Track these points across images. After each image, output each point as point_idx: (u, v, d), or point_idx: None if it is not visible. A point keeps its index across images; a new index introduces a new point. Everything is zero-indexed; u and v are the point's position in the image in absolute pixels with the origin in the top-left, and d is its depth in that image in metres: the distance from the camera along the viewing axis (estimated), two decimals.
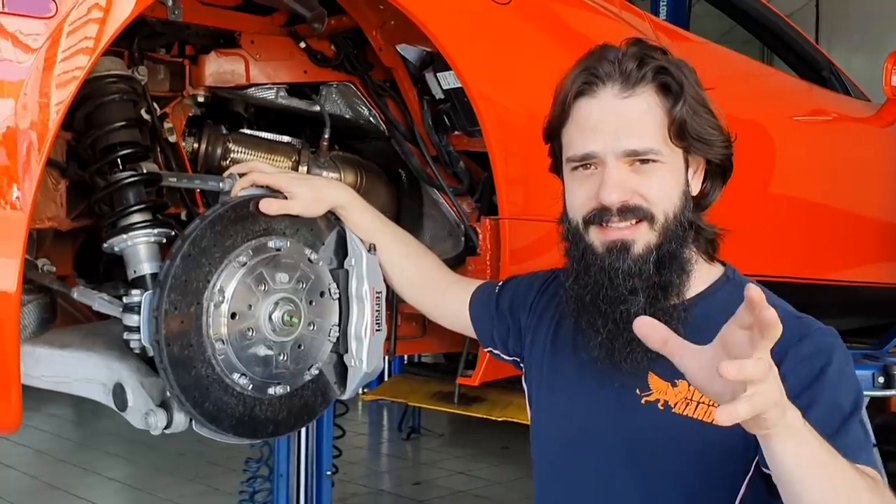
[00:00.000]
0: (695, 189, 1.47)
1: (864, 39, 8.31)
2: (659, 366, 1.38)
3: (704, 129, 1.42)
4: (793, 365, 1.29)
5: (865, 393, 3.37)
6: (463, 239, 2.05)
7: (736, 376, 1.03)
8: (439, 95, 2.02)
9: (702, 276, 1.47)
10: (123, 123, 1.61)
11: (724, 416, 1.03)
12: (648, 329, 1.16)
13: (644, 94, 1.40)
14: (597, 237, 1.43)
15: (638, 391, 1.44)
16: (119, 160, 1.60)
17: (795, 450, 1.13)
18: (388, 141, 2.10)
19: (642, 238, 1.40)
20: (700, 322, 1.39)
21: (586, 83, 1.41)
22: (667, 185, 1.41)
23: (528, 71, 2.11)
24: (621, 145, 1.38)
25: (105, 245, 1.58)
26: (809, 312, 1.44)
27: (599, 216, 1.41)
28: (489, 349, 1.77)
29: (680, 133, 1.40)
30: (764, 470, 1.31)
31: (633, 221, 1.40)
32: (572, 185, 1.47)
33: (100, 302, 1.56)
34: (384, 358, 1.77)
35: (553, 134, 1.50)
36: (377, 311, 1.67)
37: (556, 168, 1.54)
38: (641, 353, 1.39)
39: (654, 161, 1.39)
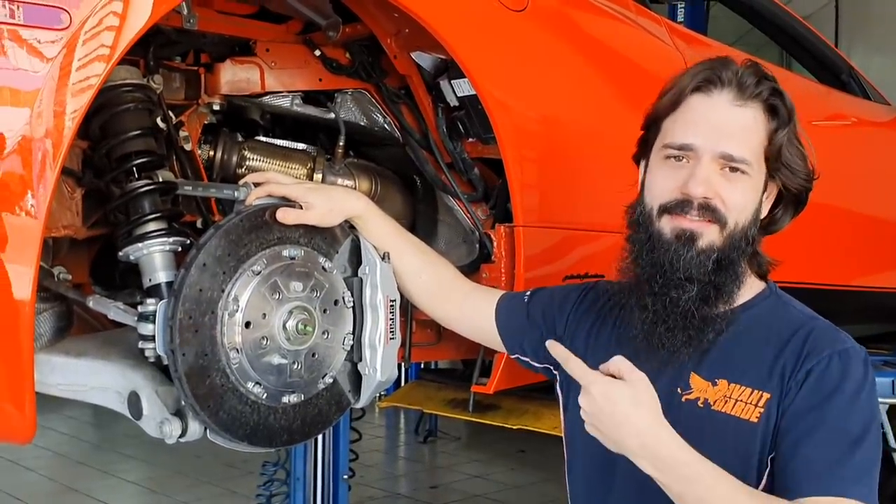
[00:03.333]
0: (763, 212, 1.54)
1: (884, 41, 8.23)
2: (702, 367, 1.48)
3: (794, 160, 1.51)
4: (812, 380, 1.40)
5: (885, 400, 3.35)
6: (477, 246, 2.05)
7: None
8: (454, 103, 2.02)
9: (749, 288, 1.54)
10: (139, 132, 1.62)
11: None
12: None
13: (754, 109, 1.48)
14: (667, 224, 1.49)
15: (679, 390, 1.50)
16: (134, 169, 1.61)
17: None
18: (402, 148, 2.10)
19: (709, 235, 1.47)
20: (745, 328, 1.50)
21: (706, 81, 1.49)
22: (746, 198, 1.49)
23: (544, 77, 2.11)
24: (720, 147, 1.46)
25: (120, 253, 1.59)
26: (829, 319, 1.51)
27: (679, 206, 1.47)
28: (516, 356, 1.78)
29: (774, 157, 1.49)
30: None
31: (707, 220, 1.46)
32: (659, 172, 1.52)
33: (115, 311, 1.56)
34: (399, 365, 1.77)
35: (655, 120, 1.56)
36: (391, 319, 1.66)
37: (641, 156, 1.61)
38: (680, 343, 1.47)
39: (742, 172, 1.46)
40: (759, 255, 1.55)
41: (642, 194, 1.56)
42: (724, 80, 1.47)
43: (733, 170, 1.46)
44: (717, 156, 1.45)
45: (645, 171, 1.58)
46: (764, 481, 1.42)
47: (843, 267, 3.36)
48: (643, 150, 1.60)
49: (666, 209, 1.49)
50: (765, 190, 1.52)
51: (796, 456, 1.37)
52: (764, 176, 1.50)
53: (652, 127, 1.57)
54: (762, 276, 1.57)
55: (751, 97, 1.47)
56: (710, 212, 1.46)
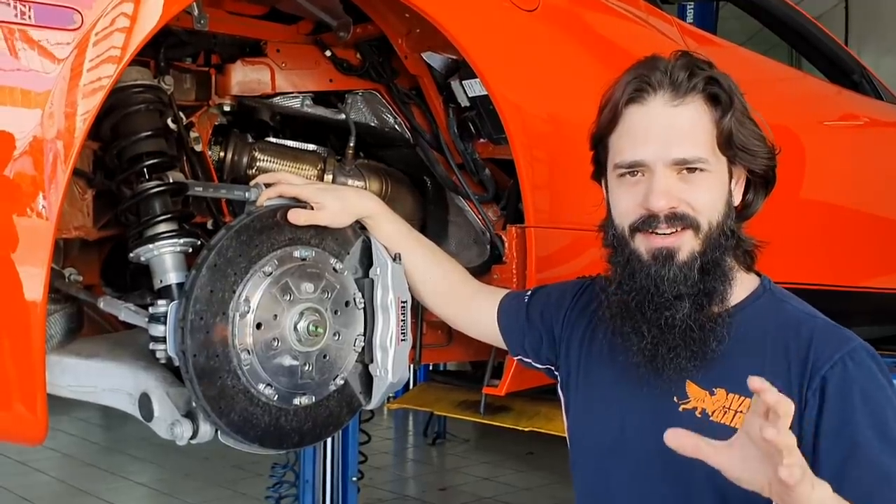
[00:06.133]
0: (736, 199, 1.49)
1: (895, 42, 8.21)
2: (699, 375, 1.44)
3: (750, 141, 1.45)
4: (832, 390, 1.36)
5: None
6: (489, 247, 2.04)
7: (775, 437, 1.08)
8: (465, 103, 2.02)
9: (741, 286, 1.49)
10: (150, 133, 1.62)
11: (786, 474, 1.09)
12: (678, 440, 1.19)
13: (694, 104, 1.42)
14: (642, 244, 1.44)
15: (675, 399, 1.46)
16: (145, 170, 1.61)
17: None
18: (413, 149, 2.10)
19: (687, 245, 1.42)
20: (742, 332, 1.45)
21: (637, 90, 1.43)
22: (713, 194, 1.44)
23: (555, 78, 2.10)
24: (671, 154, 1.41)
25: (131, 255, 1.59)
26: (841, 320, 1.47)
27: (647, 223, 1.42)
28: (519, 357, 1.77)
29: (727, 143, 1.43)
30: None
31: (679, 228, 1.42)
32: (618, 191, 1.48)
33: (126, 312, 1.56)
34: (409, 367, 1.77)
35: (600, 140, 1.52)
36: (402, 320, 1.66)
37: (599, 174, 1.57)
38: (685, 360, 1.42)
39: (701, 170, 1.42)
40: (742, 241, 1.49)
41: (610, 214, 1.51)
42: (654, 84, 1.42)
43: (691, 170, 1.41)
44: (669, 163, 1.40)
45: (606, 190, 1.53)
46: None
47: (856, 268, 3.34)
48: (598, 168, 1.56)
49: (636, 228, 1.44)
50: (731, 178, 1.46)
51: (848, 478, 1.31)
52: (725, 165, 1.44)
53: (599, 146, 1.53)
54: (751, 268, 1.52)
55: (687, 92, 1.41)
56: (679, 220, 1.41)
